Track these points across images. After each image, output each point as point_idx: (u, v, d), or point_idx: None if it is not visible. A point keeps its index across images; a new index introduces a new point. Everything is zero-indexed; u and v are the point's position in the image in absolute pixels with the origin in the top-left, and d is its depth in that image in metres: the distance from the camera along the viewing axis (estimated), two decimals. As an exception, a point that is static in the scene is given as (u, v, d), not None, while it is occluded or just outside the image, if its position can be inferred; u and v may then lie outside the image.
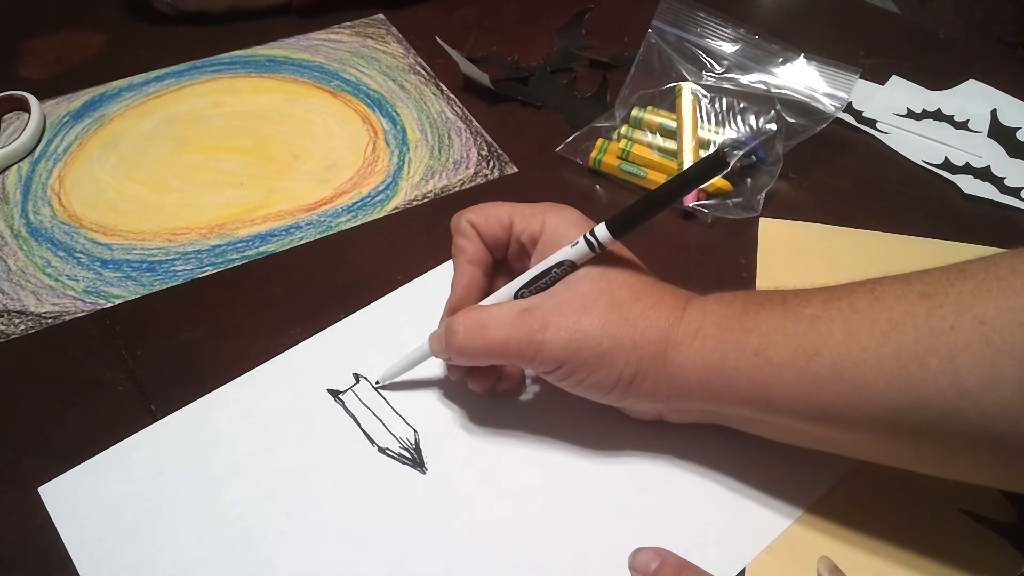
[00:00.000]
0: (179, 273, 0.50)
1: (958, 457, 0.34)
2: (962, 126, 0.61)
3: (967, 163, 0.58)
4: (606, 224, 0.37)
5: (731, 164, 0.34)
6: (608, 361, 0.37)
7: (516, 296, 0.40)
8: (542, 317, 0.37)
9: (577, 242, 0.38)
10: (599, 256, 0.38)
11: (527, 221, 0.40)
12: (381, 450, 0.42)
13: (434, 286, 0.49)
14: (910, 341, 0.32)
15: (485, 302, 0.41)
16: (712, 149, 0.55)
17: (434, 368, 0.45)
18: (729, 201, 0.54)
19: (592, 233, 0.37)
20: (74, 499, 0.40)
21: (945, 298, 0.32)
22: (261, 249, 0.52)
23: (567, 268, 0.38)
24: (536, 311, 0.38)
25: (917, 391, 0.32)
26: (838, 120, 0.57)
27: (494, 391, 0.43)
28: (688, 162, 0.54)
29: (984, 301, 0.31)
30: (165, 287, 0.49)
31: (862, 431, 0.34)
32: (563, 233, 0.39)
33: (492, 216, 0.41)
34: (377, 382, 0.44)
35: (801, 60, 0.57)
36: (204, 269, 0.50)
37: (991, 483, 0.38)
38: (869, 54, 0.66)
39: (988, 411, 0.31)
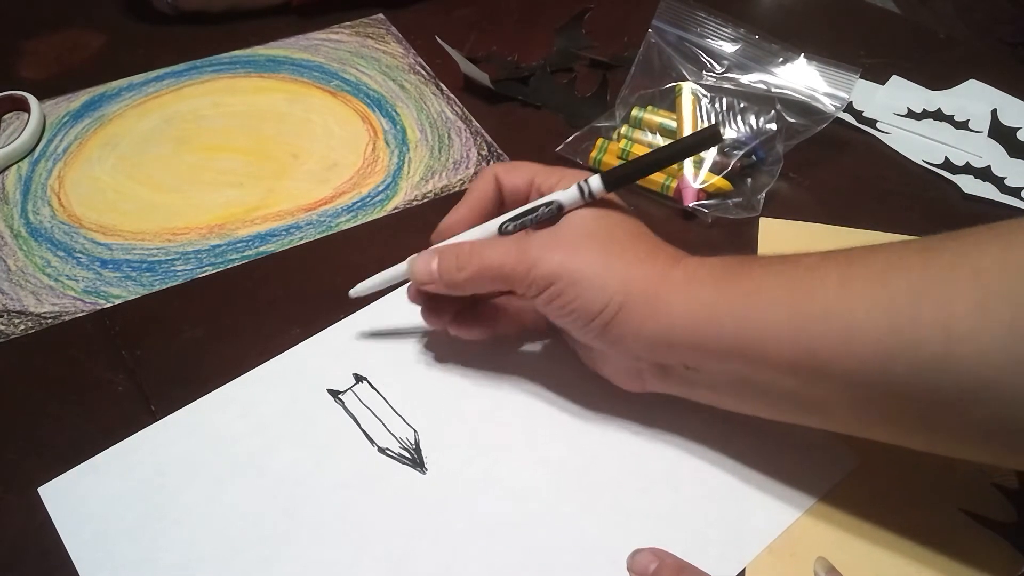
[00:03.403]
0: (179, 273, 0.50)
1: (945, 412, 0.33)
2: (962, 126, 0.61)
3: (967, 163, 0.58)
4: (601, 176, 0.39)
5: (723, 139, 0.37)
6: (598, 285, 0.37)
7: (500, 228, 0.40)
8: (538, 246, 0.38)
9: (570, 187, 0.39)
10: (603, 204, 0.39)
11: (547, 175, 0.41)
12: (381, 450, 0.42)
13: (434, 286, 0.49)
14: (904, 285, 0.32)
15: (468, 234, 0.41)
16: (712, 149, 0.54)
17: (434, 368, 0.45)
18: (729, 201, 0.54)
19: (586, 181, 0.39)
20: (74, 499, 0.40)
21: (943, 249, 0.33)
22: (261, 249, 0.52)
23: (554, 209, 0.39)
24: (533, 243, 0.38)
25: (908, 334, 0.32)
26: (838, 120, 0.57)
27: (447, 331, 0.43)
28: (688, 162, 0.54)
29: (983, 252, 0.32)
30: (165, 287, 0.49)
31: (850, 383, 0.34)
32: None
33: (517, 168, 0.42)
34: (350, 294, 0.45)
35: (801, 60, 0.57)
36: (204, 269, 0.50)
37: (976, 453, 0.36)
38: (869, 54, 0.66)
39: (978, 356, 0.31)
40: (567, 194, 0.39)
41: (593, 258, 0.37)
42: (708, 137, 0.38)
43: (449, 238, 0.42)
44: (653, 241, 0.39)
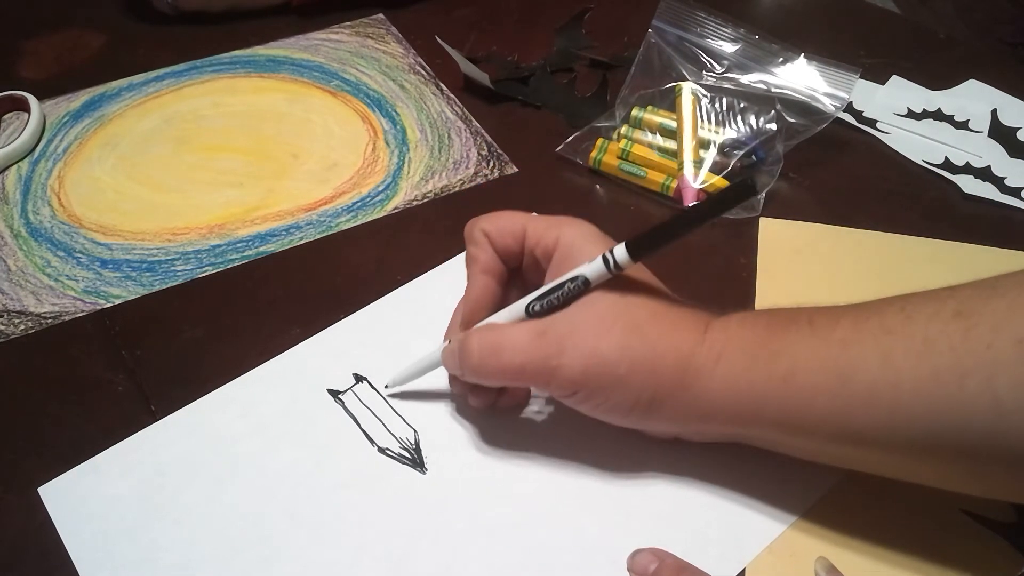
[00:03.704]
0: (179, 273, 0.50)
1: (993, 477, 0.34)
2: (962, 126, 0.61)
3: (967, 163, 0.58)
4: (626, 245, 0.36)
5: (759, 191, 0.33)
6: (625, 386, 0.36)
7: (527, 310, 0.39)
8: (558, 340, 0.36)
9: (594, 259, 0.37)
10: (622, 279, 0.37)
11: (541, 235, 0.40)
12: (381, 450, 0.42)
13: (434, 286, 0.49)
14: (947, 362, 0.32)
15: (496, 317, 0.40)
16: (712, 149, 0.55)
17: (434, 370, 0.45)
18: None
19: (611, 252, 0.36)
20: (74, 499, 0.40)
21: (980, 316, 0.32)
22: (261, 249, 0.52)
23: (580, 285, 0.37)
24: (552, 333, 0.37)
25: (955, 413, 0.32)
26: (838, 120, 0.57)
27: (495, 407, 0.42)
28: (688, 162, 0.54)
29: (1021, 319, 0.31)
30: (165, 287, 0.49)
31: (897, 454, 0.34)
32: (579, 249, 0.38)
33: (505, 227, 0.40)
34: (387, 386, 0.44)
35: (801, 60, 0.57)
36: (204, 269, 0.50)
37: (1022, 500, 0.37)
38: (869, 54, 0.66)
39: None
40: (592, 268, 0.37)
41: (616, 355, 0.36)
42: (741, 191, 0.35)
43: (476, 324, 0.40)
44: (675, 314, 0.38)
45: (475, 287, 0.41)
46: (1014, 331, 0.31)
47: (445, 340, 0.42)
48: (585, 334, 0.36)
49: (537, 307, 0.38)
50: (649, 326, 0.37)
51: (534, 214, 0.41)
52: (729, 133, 0.56)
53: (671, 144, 0.56)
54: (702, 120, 0.56)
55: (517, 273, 0.42)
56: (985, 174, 0.57)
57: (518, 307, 0.39)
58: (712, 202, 0.36)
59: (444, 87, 0.63)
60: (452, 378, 0.42)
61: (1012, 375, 0.30)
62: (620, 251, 0.36)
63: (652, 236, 0.36)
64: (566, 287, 0.37)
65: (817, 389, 0.34)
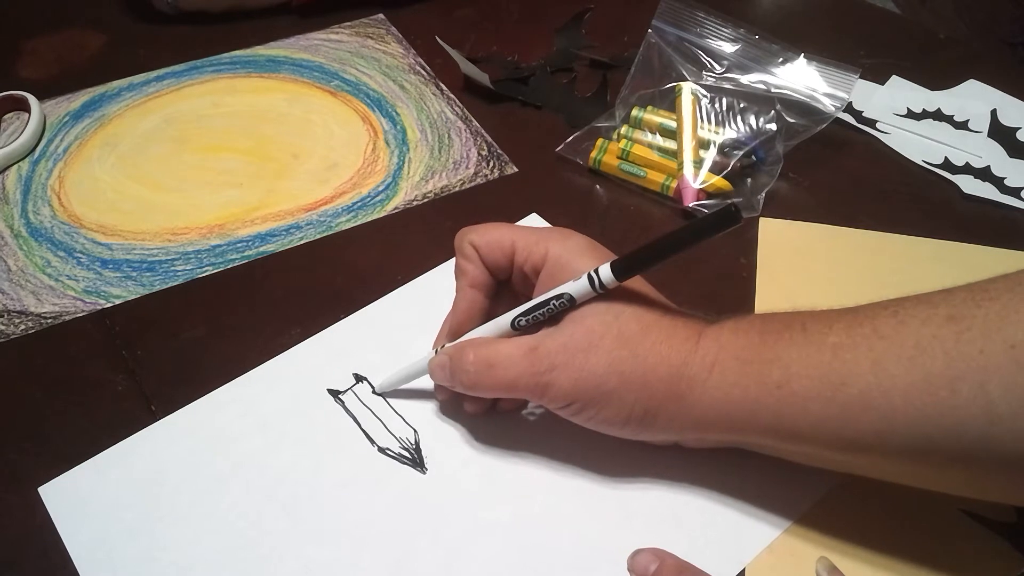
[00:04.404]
0: (179, 273, 0.50)
1: (988, 481, 0.34)
2: (962, 126, 0.61)
3: (967, 163, 0.58)
4: (611, 266, 0.36)
5: (742, 220, 0.34)
6: (617, 399, 0.36)
7: (513, 324, 0.39)
8: (549, 357, 0.37)
9: (580, 278, 0.37)
10: (612, 291, 0.37)
11: (529, 251, 0.39)
12: (381, 450, 0.42)
13: (434, 286, 0.49)
14: (939, 367, 0.32)
15: (482, 330, 0.40)
16: (712, 149, 0.55)
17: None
18: (729, 201, 0.54)
19: (596, 272, 0.36)
20: (74, 499, 0.40)
21: (972, 321, 0.31)
22: (261, 249, 0.52)
23: (566, 302, 0.37)
24: (543, 350, 0.37)
25: (948, 418, 0.32)
26: (838, 120, 0.57)
27: (494, 409, 0.42)
28: (688, 162, 0.54)
29: (1013, 323, 0.31)
30: (165, 287, 0.49)
31: (891, 459, 0.34)
32: (566, 264, 0.38)
33: (494, 241, 0.40)
34: (374, 391, 0.44)
35: (801, 60, 0.57)
36: (204, 269, 0.50)
37: (1019, 503, 0.38)
38: (869, 54, 0.66)
39: (1021, 435, 0.30)
40: (578, 286, 0.37)
41: (605, 369, 0.36)
42: (725, 218, 0.34)
43: (463, 335, 0.41)
44: (667, 324, 0.37)
45: (463, 300, 0.41)
46: (1006, 336, 0.31)
47: (433, 349, 0.42)
48: (574, 350, 0.36)
49: (523, 322, 0.39)
50: (639, 339, 0.37)
51: (523, 225, 0.41)
52: (729, 133, 0.56)
53: (671, 144, 0.56)
54: (702, 120, 0.56)
55: (507, 284, 0.42)
56: (985, 174, 0.57)
57: (504, 321, 0.39)
58: (697, 227, 0.36)
59: (444, 87, 0.63)
60: (439, 386, 0.42)
61: (1004, 380, 0.30)
62: (605, 271, 0.36)
63: (638, 258, 0.36)
64: (551, 304, 0.38)
65: (810, 396, 0.34)
